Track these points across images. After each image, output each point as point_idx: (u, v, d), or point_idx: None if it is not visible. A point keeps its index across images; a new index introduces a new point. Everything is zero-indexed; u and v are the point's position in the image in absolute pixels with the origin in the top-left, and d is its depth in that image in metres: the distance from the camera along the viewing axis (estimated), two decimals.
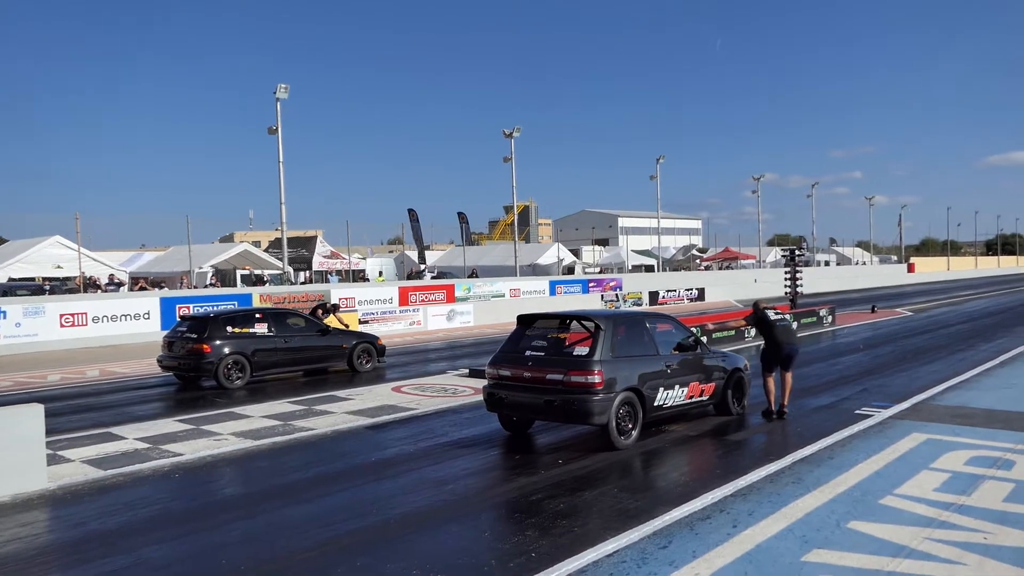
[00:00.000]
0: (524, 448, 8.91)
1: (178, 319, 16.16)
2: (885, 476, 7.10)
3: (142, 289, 30.40)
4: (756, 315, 10.60)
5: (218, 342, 13.97)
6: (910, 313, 28.94)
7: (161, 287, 32.17)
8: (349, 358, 15.82)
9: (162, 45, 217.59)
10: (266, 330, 14.73)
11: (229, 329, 14.30)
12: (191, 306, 24.30)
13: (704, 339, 13.32)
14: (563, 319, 9.55)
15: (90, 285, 29.91)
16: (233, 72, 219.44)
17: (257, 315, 15.03)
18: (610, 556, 5.29)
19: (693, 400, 9.75)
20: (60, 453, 8.74)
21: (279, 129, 29.62)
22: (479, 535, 5.87)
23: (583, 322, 9.20)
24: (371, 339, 16.56)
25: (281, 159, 30.01)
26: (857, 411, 10.33)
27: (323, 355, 15.56)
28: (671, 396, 9.29)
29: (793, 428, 9.42)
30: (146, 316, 23.43)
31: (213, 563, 5.44)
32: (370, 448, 9.07)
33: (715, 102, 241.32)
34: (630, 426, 8.70)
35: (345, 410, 11.28)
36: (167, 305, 23.96)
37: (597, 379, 8.34)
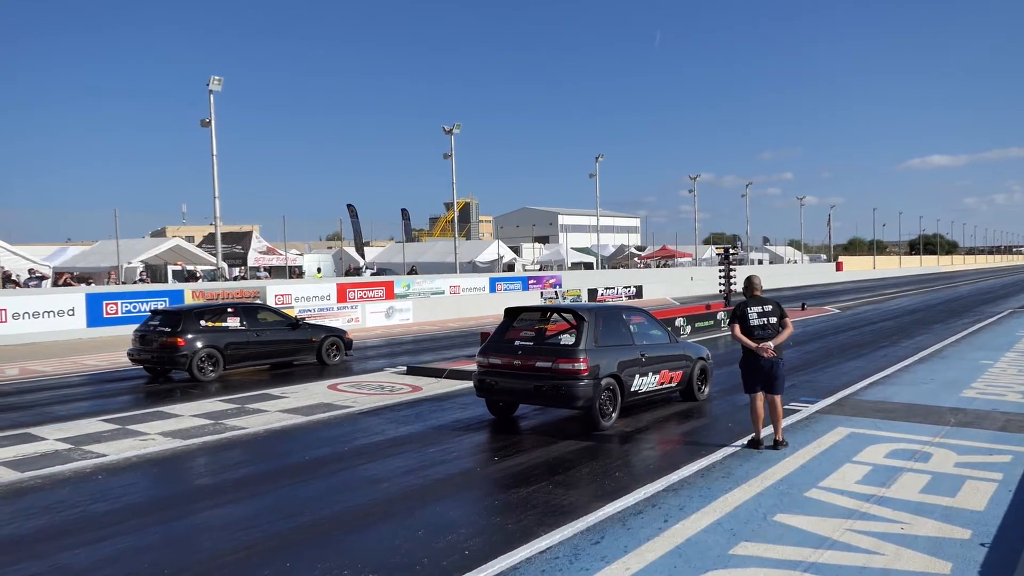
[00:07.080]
0: (459, 446, 8.89)
1: (150, 313, 16.09)
2: (810, 469, 7.30)
3: (66, 284, 29.24)
4: (736, 311, 8.05)
5: (191, 336, 14.05)
6: (837, 311, 29.86)
7: (88, 283, 30.99)
8: (318, 351, 16.07)
9: (90, 31, 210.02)
10: (238, 324, 14.89)
11: (202, 323, 14.40)
12: (119, 302, 23.55)
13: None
14: (547, 311, 10.48)
15: (9, 280, 28.62)
16: (167, 62, 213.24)
17: (229, 309, 15.18)
18: (543, 553, 5.30)
19: (664, 386, 10.39)
20: None
21: (212, 122, 28.90)
22: (412, 534, 5.82)
23: (567, 314, 10.04)
24: (339, 333, 16.91)
25: (215, 152, 29.33)
26: (786, 406, 10.53)
27: (293, 348, 15.81)
28: (645, 382, 9.95)
29: (725, 423, 9.62)
30: (71, 313, 22.58)
31: (135, 567, 5.25)
32: (303, 447, 8.92)
33: (653, 103, 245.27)
34: (611, 409, 9.34)
35: (279, 408, 11.07)
36: (93, 301, 23.14)
37: (583, 366, 8.93)
